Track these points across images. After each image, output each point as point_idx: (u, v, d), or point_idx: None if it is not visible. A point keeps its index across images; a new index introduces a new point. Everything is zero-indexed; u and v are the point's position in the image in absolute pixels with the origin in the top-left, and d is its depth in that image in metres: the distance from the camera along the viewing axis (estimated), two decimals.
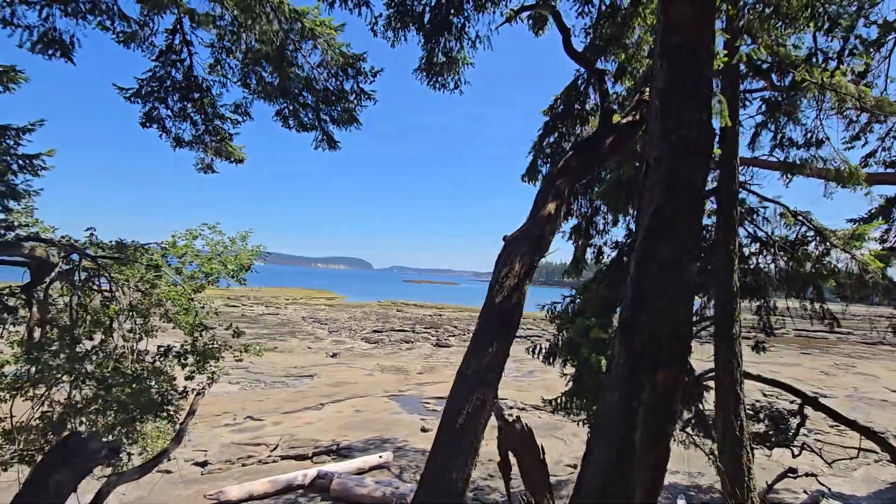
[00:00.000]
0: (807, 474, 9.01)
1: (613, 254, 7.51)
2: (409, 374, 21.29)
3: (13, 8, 4.07)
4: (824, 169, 6.37)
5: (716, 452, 6.57)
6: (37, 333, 5.84)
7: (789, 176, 6.91)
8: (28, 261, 5.08)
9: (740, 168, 7.45)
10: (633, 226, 7.07)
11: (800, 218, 6.68)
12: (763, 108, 6.90)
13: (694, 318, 7.51)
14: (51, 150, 5.80)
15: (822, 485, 9.19)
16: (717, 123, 6.25)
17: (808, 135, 6.49)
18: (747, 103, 7.25)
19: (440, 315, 47.40)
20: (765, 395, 16.84)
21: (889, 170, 9.73)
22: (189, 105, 6.16)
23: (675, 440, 8.33)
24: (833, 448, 10.54)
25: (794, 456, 8.19)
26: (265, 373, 20.16)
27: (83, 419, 5.80)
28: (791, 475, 9.02)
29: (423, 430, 13.68)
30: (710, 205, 7.52)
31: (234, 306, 43.73)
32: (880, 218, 9.34)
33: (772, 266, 7.04)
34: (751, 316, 7.92)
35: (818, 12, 4.46)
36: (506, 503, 5.56)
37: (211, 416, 14.13)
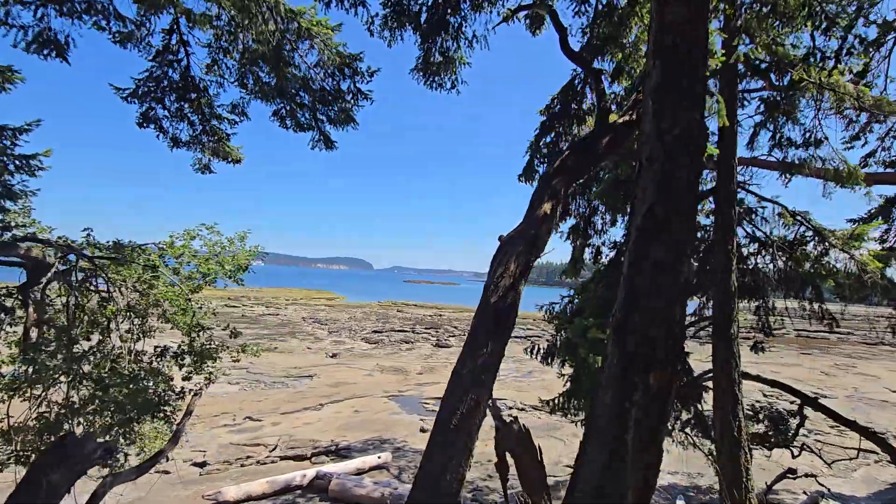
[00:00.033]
0: (806, 475, 8.98)
1: (612, 254, 7.49)
2: (408, 375, 21.28)
3: (8, 8, 4.06)
4: (823, 169, 6.36)
5: (714, 453, 6.55)
6: (34, 334, 5.84)
7: (788, 176, 6.89)
8: (24, 261, 5.07)
9: (739, 168, 7.43)
10: None
11: (798, 218, 6.67)
12: (762, 107, 6.88)
13: (692, 319, 7.50)
14: (47, 150, 5.79)
15: (822, 485, 9.16)
16: (715, 123, 6.24)
17: (807, 134, 6.48)
18: (746, 103, 7.24)
19: (440, 315, 47.39)
20: (765, 396, 16.82)
21: (888, 170, 9.71)
22: (186, 105, 6.15)
23: (674, 441, 8.32)
24: (833, 449, 10.52)
25: (793, 456, 8.17)
26: (265, 373, 20.16)
27: (80, 420, 5.80)
28: (790, 476, 9.00)
29: (423, 430, 13.66)
30: (708, 205, 7.51)
31: (234, 307, 43.75)
32: (880, 218, 9.32)
33: (770, 266, 7.02)
34: (750, 316, 7.91)
35: (815, 11, 4.44)
36: None
37: (210, 417, 14.14)
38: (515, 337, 32.78)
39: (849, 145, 9.85)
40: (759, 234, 7.07)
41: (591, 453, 2.22)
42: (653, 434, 2.06)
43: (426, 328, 37.42)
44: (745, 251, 7.17)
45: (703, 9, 2.13)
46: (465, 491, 10.04)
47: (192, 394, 6.29)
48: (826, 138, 6.37)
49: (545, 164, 6.48)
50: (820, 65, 5.57)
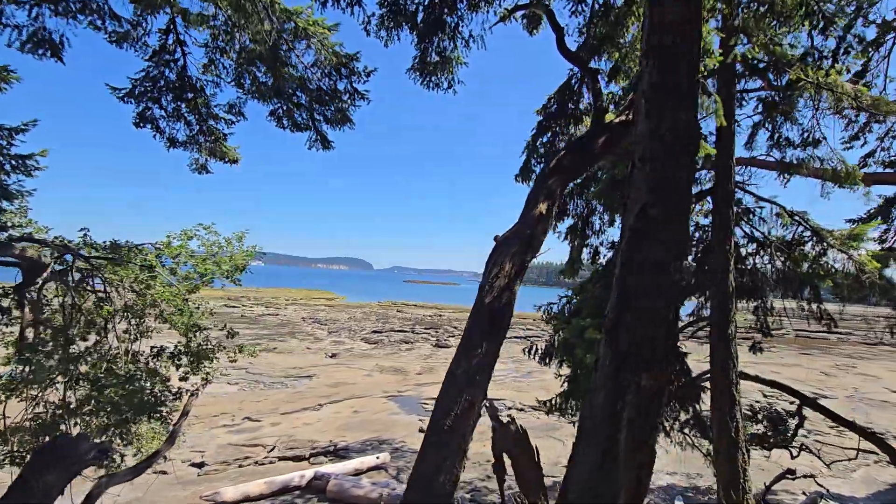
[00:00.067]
0: (805, 475, 8.96)
1: (610, 254, 7.47)
2: (408, 375, 21.27)
3: (2, 7, 4.05)
4: (821, 169, 6.34)
5: (713, 454, 6.54)
6: (31, 334, 5.83)
7: (786, 176, 6.87)
8: (19, 261, 5.06)
9: (738, 168, 7.42)
10: None
11: (796, 218, 6.65)
12: (760, 107, 6.87)
13: (691, 319, 7.48)
14: (44, 150, 5.78)
15: (821, 486, 9.14)
16: (713, 123, 6.23)
17: (805, 134, 6.46)
18: (744, 103, 7.23)
19: (440, 315, 47.38)
20: (765, 396, 16.80)
21: (888, 170, 9.69)
22: (183, 105, 6.14)
23: (672, 441, 8.30)
24: (832, 449, 10.50)
25: (792, 457, 8.16)
26: (264, 373, 20.16)
27: (77, 420, 5.79)
28: (789, 476, 8.98)
29: (421, 430, 13.63)
30: (707, 205, 7.50)
31: (234, 307, 43.76)
32: (879, 218, 9.31)
33: (769, 266, 7.00)
34: (750, 316, 7.89)
35: (813, 11, 4.43)
36: None
37: (209, 417, 14.13)
38: (515, 337, 32.81)
39: (848, 145, 9.83)
40: (757, 234, 7.06)
41: (584, 453, 2.21)
42: (645, 434, 2.05)
43: (426, 328, 37.42)
44: (743, 251, 7.16)
45: (696, 8, 2.12)
46: (463, 491, 10.03)
47: (188, 394, 6.28)
48: (824, 138, 6.36)
49: (542, 164, 6.46)
50: (817, 64, 5.55)
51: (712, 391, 6.23)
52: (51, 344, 5.64)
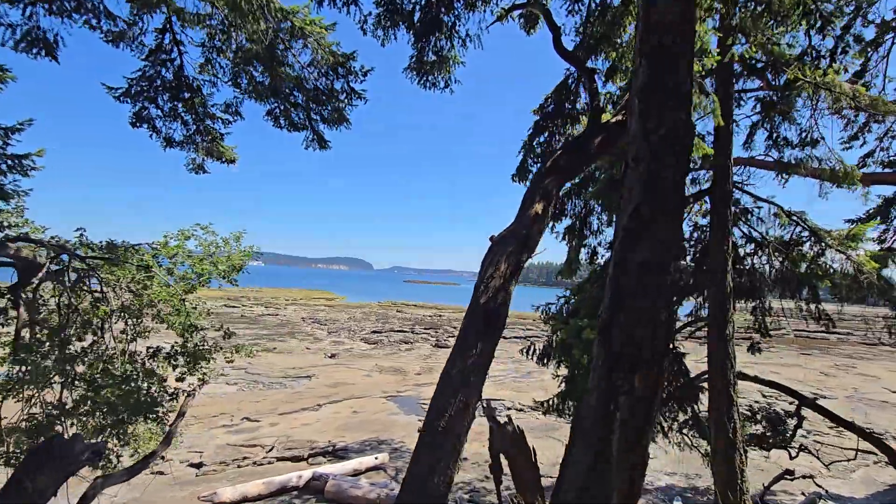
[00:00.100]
0: (804, 476, 8.95)
1: (607, 254, 7.44)
2: (407, 375, 21.25)
3: None
4: (819, 169, 6.32)
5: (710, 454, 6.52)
6: (27, 335, 5.82)
7: (784, 176, 6.86)
8: (14, 261, 5.05)
9: (736, 168, 7.40)
10: None
11: (794, 218, 6.63)
12: (758, 107, 6.85)
13: (689, 319, 7.47)
14: (40, 150, 5.77)
15: (820, 486, 9.13)
16: (710, 123, 6.21)
17: (803, 134, 6.45)
18: (742, 103, 7.21)
19: (440, 315, 47.36)
20: (764, 397, 16.79)
21: (887, 170, 9.68)
22: (180, 105, 6.12)
23: (670, 442, 8.29)
24: (832, 449, 10.48)
25: (791, 458, 8.15)
26: (263, 373, 20.14)
27: (74, 421, 5.77)
28: (788, 477, 8.97)
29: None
30: (705, 205, 7.48)
31: (233, 307, 43.76)
32: (878, 218, 9.29)
33: (767, 267, 6.99)
34: (749, 317, 7.87)
35: (810, 10, 4.41)
36: None
37: (208, 417, 14.11)
38: (515, 337, 32.78)
39: (847, 145, 9.82)
40: (755, 234, 7.04)
41: (577, 454, 2.19)
42: (638, 435, 2.03)
43: (425, 328, 37.40)
44: (741, 251, 7.14)
45: (690, 8, 2.10)
46: (462, 492, 10.02)
47: (185, 395, 6.26)
48: (822, 138, 6.34)
49: (539, 164, 6.44)
50: (815, 64, 5.54)
51: (710, 392, 6.21)
52: (47, 344, 5.62)
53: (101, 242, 6.09)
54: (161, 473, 9.49)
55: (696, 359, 8.58)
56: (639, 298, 2.07)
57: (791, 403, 7.86)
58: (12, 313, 5.83)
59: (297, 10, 5.46)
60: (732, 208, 6.52)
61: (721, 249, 5.99)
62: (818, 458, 8.51)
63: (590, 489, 2.09)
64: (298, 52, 5.71)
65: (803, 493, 10.16)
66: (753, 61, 6.24)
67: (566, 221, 7.60)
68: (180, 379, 6.48)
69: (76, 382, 5.66)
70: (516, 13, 5.33)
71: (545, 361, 7.55)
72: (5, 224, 5.74)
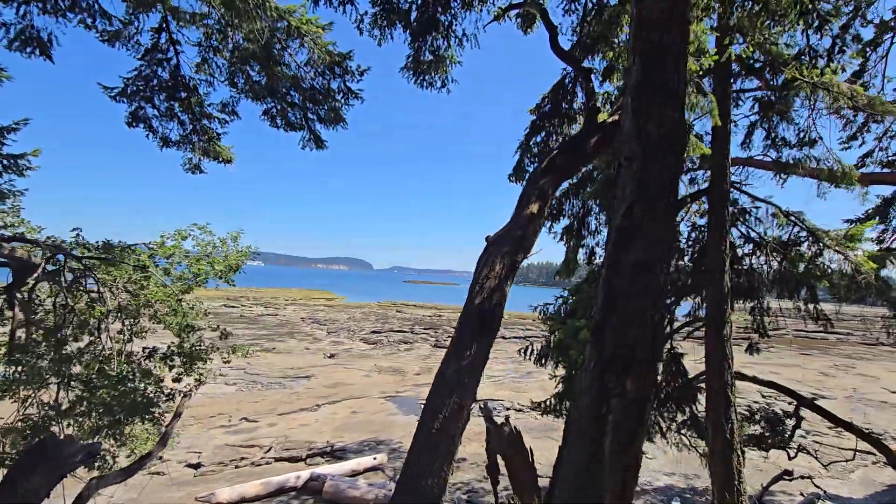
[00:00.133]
0: (802, 476, 8.93)
1: None
2: (406, 375, 21.23)
3: None
4: (817, 169, 6.31)
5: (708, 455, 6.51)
6: (23, 335, 5.80)
7: (783, 176, 6.84)
8: (9, 261, 5.03)
9: (734, 168, 7.38)
10: None
11: (792, 218, 6.61)
12: (756, 107, 6.83)
13: (687, 319, 7.45)
14: (36, 149, 5.75)
15: (818, 487, 9.11)
16: (709, 123, 6.20)
17: (801, 134, 6.43)
18: (740, 102, 7.19)
19: (439, 316, 47.34)
20: (763, 397, 16.77)
21: (886, 170, 9.67)
22: (176, 104, 6.11)
23: (668, 442, 8.27)
24: (831, 450, 10.47)
25: (789, 458, 8.13)
26: (262, 374, 20.12)
27: (70, 421, 5.76)
28: (787, 477, 8.95)
29: None
30: (703, 205, 7.46)
31: (233, 307, 43.74)
32: (877, 218, 9.28)
33: (765, 267, 6.97)
34: (748, 317, 7.85)
35: (807, 9, 4.40)
36: None
37: (206, 418, 14.10)
38: (514, 337, 32.75)
39: (846, 145, 9.81)
40: (753, 234, 7.02)
41: (570, 455, 2.18)
42: (631, 436, 2.02)
43: (425, 328, 37.38)
44: (739, 252, 7.13)
45: (683, 5, 2.09)
46: (460, 492, 10.01)
47: (181, 395, 6.25)
48: (820, 138, 6.32)
49: (535, 164, 6.42)
50: (813, 63, 5.52)
51: (707, 392, 6.19)
52: (43, 345, 5.61)
53: (97, 242, 6.07)
54: (159, 474, 9.47)
55: (694, 359, 8.56)
56: (632, 299, 2.05)
57: (790, 404, 7.84)
58: (8, 313, 5.81)
59: (293, 10, 5.45)
60: (730, 208, 6.50)
61: (719, 249, 5.98)
62: (817, 458, 8.49)
63: (583, 490, 2.07)
64: (295, 51, 5.69)
65: (802, 494, 10.15)
66: (751, 61, 6.22)
67: (564, 221, 7.59)
68: (177, 379, 6.47)
69: (72, 383, 5.65)
70: (513, 12, 5.32)
71: (543, 362, 7.53)
72: (0, 224, 5.73)
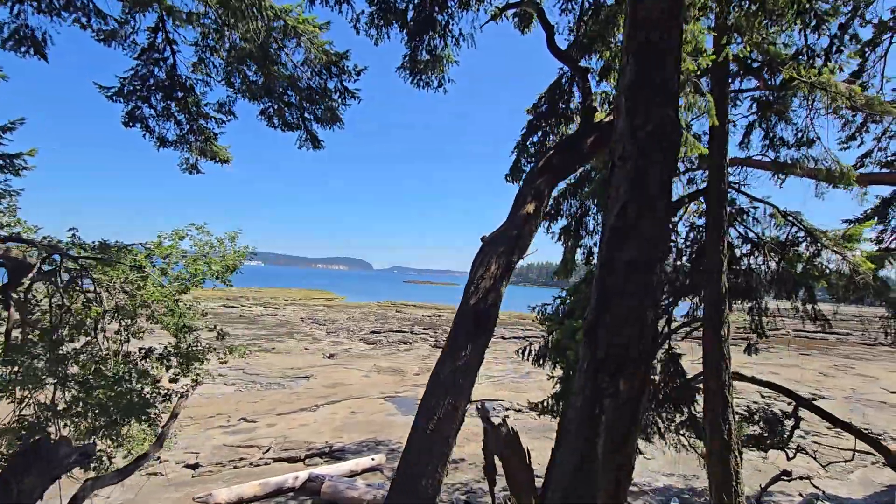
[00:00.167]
0: (800, 477, 8.92)
1: None
2: (405, 376, 21.21)
3: None
4: (815, 169, 6.29)
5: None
6: (19, 335, 5.78)
7: (781, 176, 6.83)
8: (4, 261, 5.02)
9: (733, 168, 7.37)
10: None
11: (790, 218, 6.60)
12: (754, 107, 6.82)
13: (685, 320, 7.44)
14: (32, 149, 5.73)
15: (817, 487, 9.10)
16: (706, 123, 6.18)
17: (799, 134, 6.42)
18: (739, 102, 7.18)
19: (439, 316, 47.31)
20: (763, 397, 16.75)
21: (884, 170, 9.65)
22: (173, 104, 6.09)
23: (667, 443, 8.26)
24: (829, 450, 10.46)
25: (788, 458, 8.12)
26: (261, 374, 20.11)
27: (66, 422, 5.74)
28: (785, 478, 8.94)
29: None
30: (702, 206, 7.45)
31: (232, 307, 43.71)
32: (875, 219, 9.26)
33: (763, 267, 6.96)
34: (747, 317, 7.84)
35: (805, 8, 4.39)
36: None
37: (205, 418, 14.08)
38: (514, 337, 32.72)
39: (845, 145, 9.80)
40: (751, 234, 7.01)
41: (563, 455, 2.17)
42: (624, 437, 2.01)
43: (424, 329, 37.36)
44: (738, 252, 7.11)
45: (677, 4, 2.07)
46: (459, 493, 9.99)
47: (178, 396, 6.23)
48: (818, 138, 6.31)
49: (532, 164, 6.40)
50: (810, 63, 5.51)
51: (705, 393, 6.18)
52: (39, 345, 5.59)
53: (93, 242, 6.05)
54: (157, 475, 9.46)
55: (693, 359, 8.56)
56: (625, 298, 2.04)
57: (789, 404, 7.84)
58: (3, 314, 5.79)
59: (290, 9, 5.43)
60: (728, 208, 6.49)
61: (716, 250, 5.96)
62: (815, 458, 8.49)
63: (575, 489, 2.06)
64: (291, 51, 5.68)
65: (801, 494, 10.14)
66: (749, 61, 6.21)
67: (562, 222, 7.58)
68: (174, 380, 6.45)
69: (68, 383, 5.63)
70: (510, 12, 5.31)
71: (541, 362, 7.52)
72: None
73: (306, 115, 6.04)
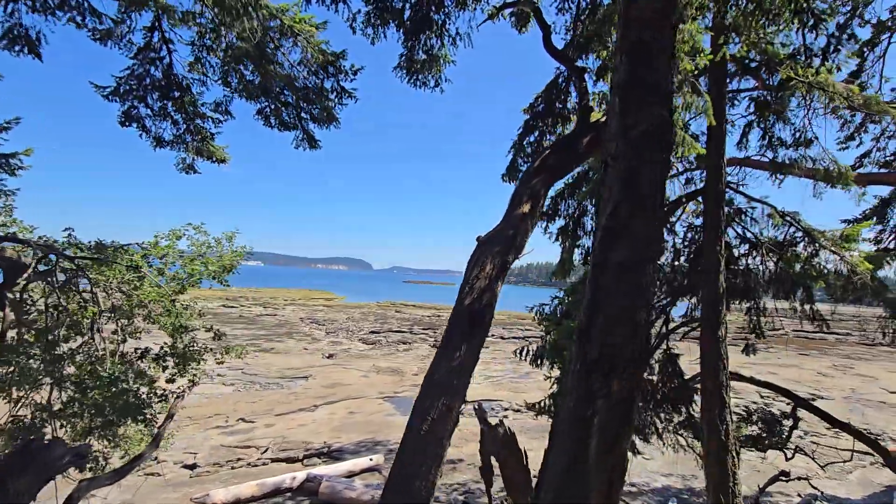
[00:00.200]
0: (799, 478, 8.90)
1: None
2: (404, 376, 21.19)
3: None
4: (813, 169, 6.28)
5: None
6: (15, 335, 5.76)
7: (779, 176, 6.82)
8: None
9: (731, 168, 7.35)
10: None
11: (787, 218, 6.59)
12: (752, 107, 6.81)
13: (683, 320, 7.42)
14: (28, 149, 5.72)
15: (815, 488, 9.08)
16: (704, 123, 6.16)
17: (797, 134, 6.40)
18: (737, 102, 7.17)
19: (438, 316, 47.27)
20: (762, 398, 16.74)
21: (883, 170, 9.64)
22: (169, 104, 6.08)
23: (665, 443, 8.24)
24: (828, 451, 10.44)
25: (786, 459, 8.10)
26: (260, 374, 20.08)
27: (63, 422, 5.72)
28: (783, 478, 8.92)
29: None
30: (700, 206, 7.43)
31: (231, 307, 43.68)
32: (874, 219, 9.25)
33: (761, 267, 6.95)
34: (746, 317, 7.83)
35: (802, 7, 4.37)
36: None
37: (203, 419, 14.06)
38: (513, 338, 32.68)
39: (844, 146, 9.79)
40: (749, 235, 7.00)
41: (555, 456, 2.16)
42: (616, 437, 1.99)
43: (424, 329, 37.33)
44: (735, 252, 7.10)
45: (670, 4, 2.06)
46: (457, 493, 9.98)
47: (174, 396, 6.21)
48: (816, 138, 6.30)
49: (529, 164, 6.38)
50: (808, 63, 5.49)
51: (702, 393, 6.17)
52: (36, 346, 5.57)
53: (89, 242, 6.04)
54: (155, 475, 9.44)
55: (691, 359, 8.55)
56: (618, 298, 2.02)
57: (788, 404, 7.82)
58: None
59: (286, 8, 5.42)
60: (726, 208, 6.48)
61: (714, 250, 5.95)
62: (813, 459, 8.47)
63: (567, 490, 2.05)
64: (288, 50, 5.67)
65: (800, 495, 10.13)
66: (747, 60, 6.19)
67: (560, 222, 7.57)
68: (170, 380, 6.43)
69: (64, 384, 5.62)
70: (507, 11, 5.29)
71: (539, 363, 7.50)
72: None
73: (303, 114, 6.03)
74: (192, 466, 10.55)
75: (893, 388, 20.74)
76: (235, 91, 6.05)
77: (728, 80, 6.77)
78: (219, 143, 6.70)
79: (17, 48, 4.28)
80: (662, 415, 7.74)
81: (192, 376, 6.41)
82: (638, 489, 10.22)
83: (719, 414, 5.72)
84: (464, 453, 11.47)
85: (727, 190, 6.62)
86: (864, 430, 12.21)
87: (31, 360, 5.35)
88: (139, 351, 6.22)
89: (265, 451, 11.75)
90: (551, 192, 7.55)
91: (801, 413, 7.81)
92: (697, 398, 7.48)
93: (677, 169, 7.30)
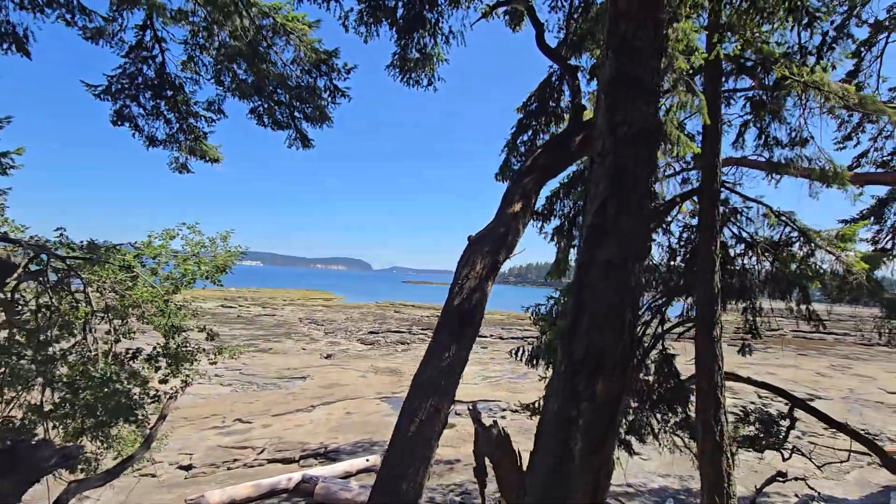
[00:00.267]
0: (796, 478, 8.88)
1: None
2: (402, 376, 21.15)
3: None
4: (809, 168, 6.26)
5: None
6: (6, 335, 5.73)
7: (775, 176, 6.79)
8: None
9: (727, 168, 7.32)
10: None
11: (783, 218, 6.56)
12: (748, 106, 6.78)
13: (678, 320, 7.39)
14: (20, 148, 5.68)
15: (812, 489, 9.06)
16: (699, 122, 6.14)
17: (793, 134, 6.37)
18: (733, 102, 7.14)
19: (437, 316, 47.16)
20: (760, 398, 16.71)
21: (880, 170, 9.62)
22: (162, 103, 6.04)
23: (660, 444, 8.21)
24: (826, 451, 10.42)
25: (784, 459, 8.07)
26: (258, 374, 20.04)
27: (55, 423, 5.69)
28: (780, 479, 8.89)
29: None
30: (698, 206, 7.40)
31: (230, 307, 43.64)
32: (871, 219, 9.23)
33: (757, 267, 6.92)
34: (742, 317, 7.79)
35: (796, 6, 4.35)
36: None
37: (200, 419, 14.02)
38: (512, 338, 32.62)
39: (841, 146, 9.76)
40: (745, 234, 6.97)
41: (540, 457, 2.13)
42: (601, 439, 1.96)
43: (422, 329, 37.29)
44: (731, 252, 7.07)
45: (657, 0, 2.03)
46: (453, 494, 9.95)
47: (167, 397, 6.18)
48: (812, 137, 6.27)
49: (522, 163, 6.35)
50: (802, 61, 5.47)
51: (697, 393, 6.15)
52: (28, 346, 5.54)
53: (81, 242, 6.00)
54: (152, 476, 9.40)
55: (687, 360, 8.53)
56: (603, 299, 1.99)
57: (786, 404, 7.80)
58: None
59: (279, 7, 5.40)
60: (722, 208, 6.45)
61: (709, 250, 5.93)
62: (810, 459, 8.44)
63: (552, 491, 2.02)
64: (281, 49, 5.64)
65: (797, 495, 10.11)
66: (743, 60, 6.17)
67: (555, 222, 7.54)
68: (163, 381, 6.40)
69: (56, 384, 5.58)
70: (501, 10, 5.27)
71: (534, 363, 7.47)
72: None
73: (296, 113, 6.00)
74: (188, 467, 10.52)
75: (891, 389, 20.72)
76: (228, 90, 6.02)
77: (724, 80, 6.74)
78: (212, 142, 6.67)
79: (4, 45, 4.25)
80: (659, 415, 7.70)
81: (185, 377, 6.37)
82: (635, 490, 10.20)
83: (714, 414, 5.69)
84: (461, 454, 11.44)
85: (723, 190, 6.59)
86: (862, 430, 12.19)
87: (23, 361, 5.31)
88: (131, 351, 6.18)
89: (261, 451, 11.71)
90: (546, 192, 7.53)
91: (799, 413, 7.79)
92: (693, 398, 7.46)
93: (673, 168, 7.28)
